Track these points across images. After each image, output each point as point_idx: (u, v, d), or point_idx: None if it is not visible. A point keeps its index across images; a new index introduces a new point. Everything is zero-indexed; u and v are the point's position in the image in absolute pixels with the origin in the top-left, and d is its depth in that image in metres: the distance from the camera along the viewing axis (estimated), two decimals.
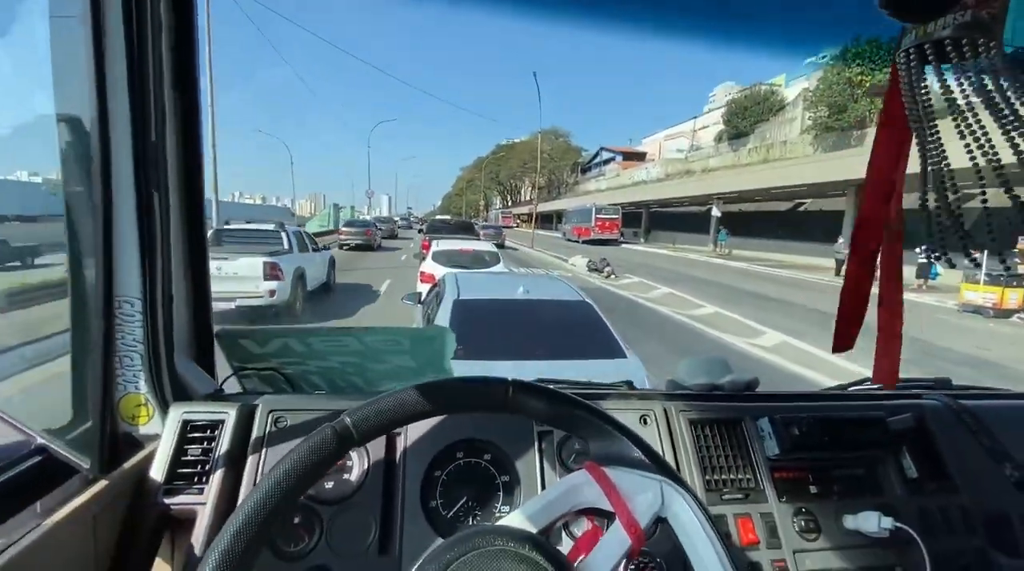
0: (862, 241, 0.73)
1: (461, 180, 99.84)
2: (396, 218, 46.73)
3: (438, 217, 29.11)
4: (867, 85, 21.58)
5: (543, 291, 3.79)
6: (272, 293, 7.23)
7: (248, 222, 8.95)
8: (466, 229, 16.29)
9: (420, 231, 27.05)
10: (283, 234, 8.38)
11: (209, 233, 7.55)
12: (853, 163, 17.15)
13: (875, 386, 1.29)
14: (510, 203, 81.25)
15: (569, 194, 59.24)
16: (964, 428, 1.01)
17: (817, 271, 17.54)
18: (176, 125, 0.87)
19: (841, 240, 17.45)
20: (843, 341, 0.96)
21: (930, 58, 0.58)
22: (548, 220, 56.57)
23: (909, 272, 13.76)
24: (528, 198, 64.57)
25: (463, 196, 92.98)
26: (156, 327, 0.85)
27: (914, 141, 0.56)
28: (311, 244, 9.50)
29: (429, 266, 7.54)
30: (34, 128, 0.97)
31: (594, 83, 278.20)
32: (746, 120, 32.24)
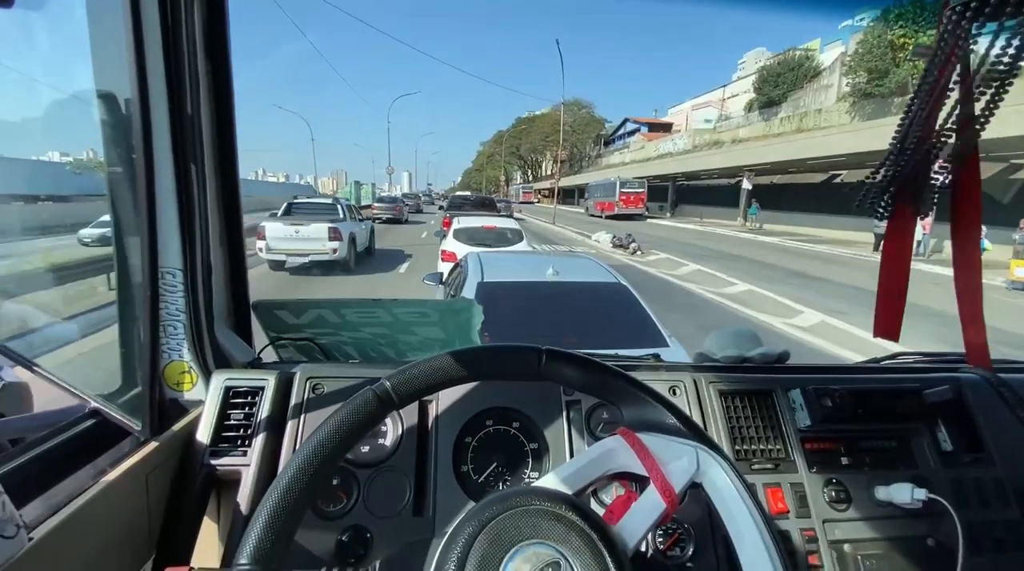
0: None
1: (481, 155, 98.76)
2: (420, 194, 53.02)
3: (458, 193, 29.04)
4: (910, 48, 20.25)
5: (574, 272, 3.50)
6: (335, 251, 9.42)
7: (309, 197, 12.04)
8: (487, 205, 16.19)
9: (441, 207, 27.17)
10: (338, 206, 10.74)
11: (283, 205, 10.37)
12: (893, 132, 16.20)
13: (909, 359, 1.25)
14: (531, 178, 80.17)
15: (592, 168, 57.93)
16: (1002, 401, 0.99)
17: (854, 246, 16.85)
18: (210, 97, 0.88)
19: None
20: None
21: (973, 14, 0.54)
22: (570, 195, 55.70)
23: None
24: (550, 173, 63.59)
25: (483, 171, 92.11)
26: (196, 297, 0.88)
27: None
28: (357, 215, 11.73)
29: (450, 244, 7.45)
30: (71, 107, 0.99)
31: (618, 51, 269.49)
32: (778, 88, 30.65)
